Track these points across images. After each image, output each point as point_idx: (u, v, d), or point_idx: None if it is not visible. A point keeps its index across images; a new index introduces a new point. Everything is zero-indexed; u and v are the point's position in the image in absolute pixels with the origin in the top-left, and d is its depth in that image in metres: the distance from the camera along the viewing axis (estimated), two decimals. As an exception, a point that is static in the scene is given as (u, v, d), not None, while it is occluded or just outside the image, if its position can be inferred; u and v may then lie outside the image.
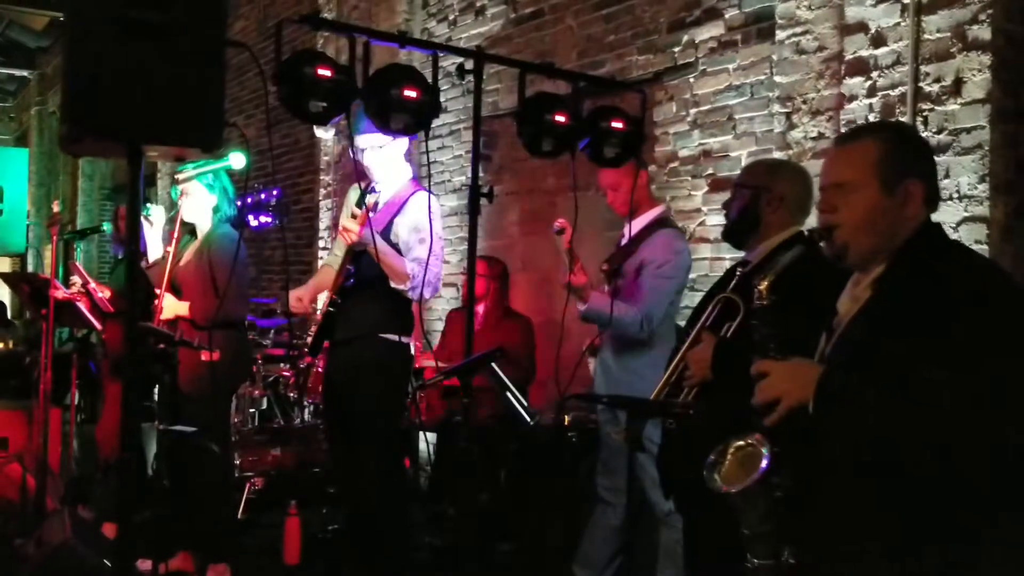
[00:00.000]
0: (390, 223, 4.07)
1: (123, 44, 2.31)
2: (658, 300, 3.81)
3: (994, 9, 3.52)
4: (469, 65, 3.28)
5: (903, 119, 3.70)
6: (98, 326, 5.26)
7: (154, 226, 4.79)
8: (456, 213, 6.80)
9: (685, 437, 2.83)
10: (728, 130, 4.82)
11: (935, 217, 2.10)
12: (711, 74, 4.92)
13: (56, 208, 5.85)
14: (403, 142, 4.14)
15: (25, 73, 16.97)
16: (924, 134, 3.64)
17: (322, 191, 8.56)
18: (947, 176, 3.59)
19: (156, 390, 4.23)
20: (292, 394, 6.45)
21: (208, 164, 4.36)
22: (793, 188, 2.97)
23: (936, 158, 3.48)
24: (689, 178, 5.03)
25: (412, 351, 4.27)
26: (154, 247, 4.78)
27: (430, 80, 3.13)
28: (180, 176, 4.50)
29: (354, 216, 3.94)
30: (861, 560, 1.90)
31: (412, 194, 4.12)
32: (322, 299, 4.38)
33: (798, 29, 4.24)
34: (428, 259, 3.78)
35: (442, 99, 3.25)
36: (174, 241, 4.50)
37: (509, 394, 3.52)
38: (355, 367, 4.08)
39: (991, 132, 3.53)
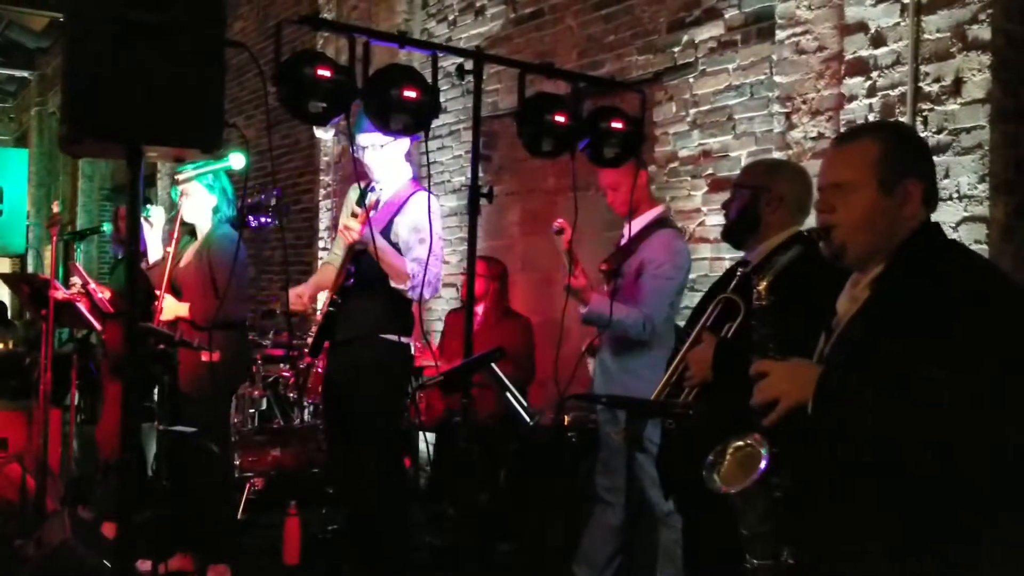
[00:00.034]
0: (390, 222, 4.08)
1: (123, 45, 2.31)
2: (659, 301, 3.82)
3: (994, 9, 3.52)
4: (469, 65, 3.28)
5: (903, 119, 3.70)
6: (98, 327, 5.26)
7: (154, 227, 4.80)
8: (456, 213, 6.80)
9: (684, 437, 2.83)
10: (728, 130, 4.82)
11: (935, 217, 2.10)
12: (711, 74, 4.92)
13: (56, 209, 5.86)
14: (404, 142, 4.14)
15: (25, 74, 16.98)
16: (924, 134, 3.64)
17: (322, 191, 8.56)
18: (947, 176, 3.59)
19: (156, 390, 4.22)
20: (292, 394, 6.45)
21: (208, 165, 4.36)
22: (793, 188, 2.96)
23: (936, 158, 3.48)
24: (689, 178, 5.03)
25: (412, 351, 4.28)
26: (154, 248, 4.78)
27: (430, 80, 3.13)
28: (180, 177, 4.50)
29: (354, 215, 3.94)
30: (861, 560, 1.90)
31: (412, 194, 4.12)
32: (322, 299, 4.38)
33: (798, 29, 4.24)
34: (428, 259, 3.78)
35: (442, 99, 3.25)
36: (174, 242, 4.50)
37: (509, 394, 3.51)
38: (355, 367, 4.08)
39: (991, 132, 3.53)
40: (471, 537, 4.29)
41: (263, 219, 4.16)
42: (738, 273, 2.91)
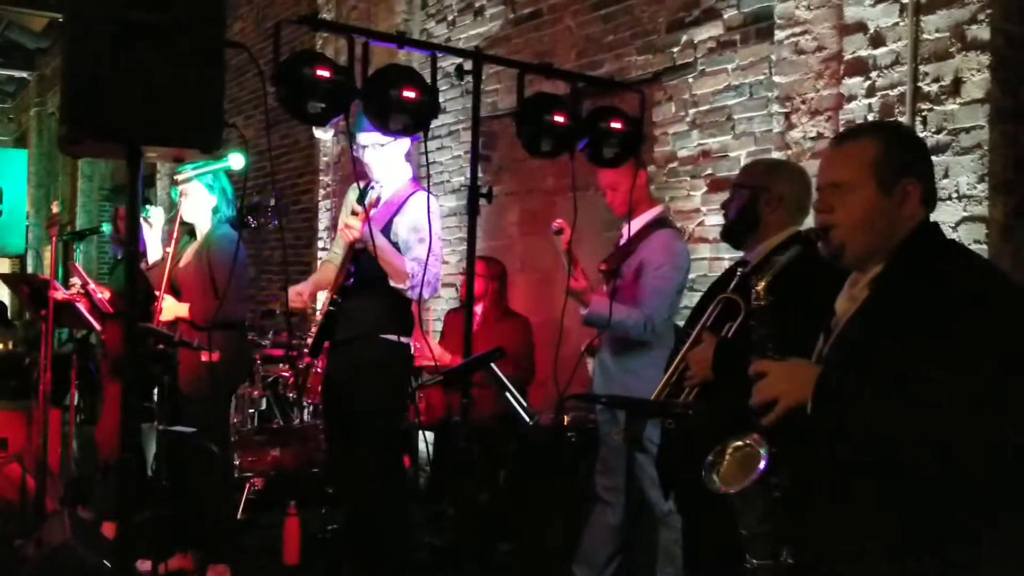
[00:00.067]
0: (390, 222, 4.08)
1: (122, 45, 2.31)
2: (660, 302, 3.82)
3: (993, 9, 3.52)
4: (468, 66, 3.28)
5: (902, 119, 3.70)
6: (97, 327, 5.26)
7: (153, 227, 4.80)
8: (455, 214, 6.80)
9: (684, 437, 2.83)
10: (727, 130, 4.82)
11: (935, 217, 2.10)
12: (710, 74, 4.92)
13: (55, 209, 5.85)
14: (404, 142, 4.14)
15: (24, 74, 16.98)
16: (923, 134, 3.64)
17: (321, 192, 8.56)
18: (946, 176, 3.59)
19: (156, 390, 4.23)
20: (291, 394, 6.45)
21: (207, 165, 4.36)
22: (792, 188, 2.97)
23: (935, 158, 3.49)
24: (688, 178, 5.03)
25: (412, 351, 4.28)
26: (153, 248, 4.78)
27: (429, 81, 3.13)
28: (179, 177, 4.50)
29: (355, 213, 3.94)
30: (860, 560, 1.90)
31: (412, 194, 4.12)
32: (322, 298, 4.38)
33: (797, 29, 4.24)
34: (427, 259, 3.78)
35: (441, 100, 3.25)
36: (173, 242, 4.51)
37: (508, 394, 3.52)
38: (355, 367, 4.09)
39: (990, 132, 3.53)
40: (471, 537, 4.29)
41: (263, 219, 4.16)
42: (738, 273, 2.91)
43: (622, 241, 4.05)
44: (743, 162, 4.57)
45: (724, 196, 3.16)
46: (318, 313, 4.34)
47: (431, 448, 5.70)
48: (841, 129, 3.86)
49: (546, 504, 4.92)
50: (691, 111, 5.02)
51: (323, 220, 8.51)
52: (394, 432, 4.28)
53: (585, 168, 3.63)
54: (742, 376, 2.03)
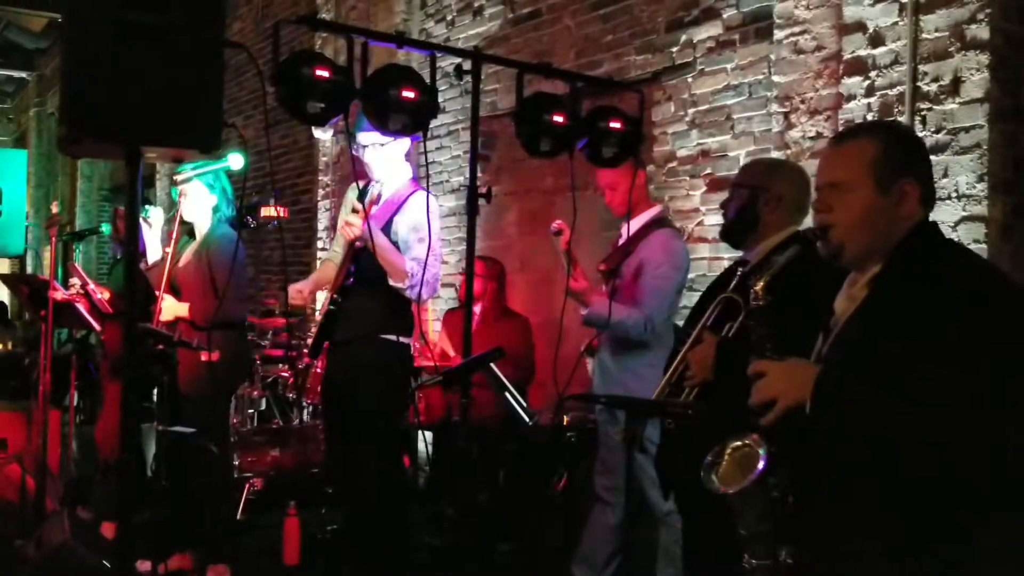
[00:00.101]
0: (390, 221, 4.08)
1: (121, 46, 2.32)
2: (660, 302, 3.82)
3: (992, 8, 3.52)
4: (467, 65, 3.28)
5: (901, 118, 3.70)
6: (97, 327, 5.26)
7: (153, 227, 4.80)
8: (454, 214, 6.80)
9: (683, 437, 2.83)
10: (726, 130, 4.82)
11: (934, 216, 2.10)
12: (709, 74, 4.92)
13: (55, 209, 5.86)
14: (404, 141, 4.14)
15: (23, 74, 16.99)
16: (922, 133, 3.64)
17: (320, 192, 8.56)
18: (945, 175, 3.59)
19: (155, 391, 4.23)
20: (291, 395, 6.45)
21: (206, 165, 4.36)
22: (791, 188, 2.97)
23: (934, 157, 3.51)
24: (687, 178, 5.03)
25: (412, 351, 4.28)
26: (153, 249, 4.78)
27: (428, 80, 3.13)
28: (178, 177, 4.50)
29: (355, 211, 3.94)
30: (860, 560, 1.90)
31: (412, 193, 4.12)
32: (321, 298, 4.38)
33: (796, 29, 4.24)
34: (427, 258, 3.78)
35: (440, 99, 3.25)
36: (172, 242, 4.51)
37: (508, 394, 3.52)
38: (355, 367, 4.09)
39: (989, 131, 3.53)
40: (470, 537, 4.29)
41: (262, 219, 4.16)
42: (738, 272, 2.91)
43: (621, 241, 4.05)
44: (742, 162, 4.57)
45: (723, 196, 3.16)
46: (318, 313, 4.34)
47: (430, 448, 5.70)
48: (840, 129, 3.86)
49: (545, 504, 4.92)
50: (690, 111, 5.02)
51: (322, 220, 8.51)
52: (394, 432, 4.28)
53: (584, 168, 3.63)
54: (743, 376, 2.03)
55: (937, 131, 3.65)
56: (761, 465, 1.93)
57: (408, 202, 4.09)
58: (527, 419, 3.61)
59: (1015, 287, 1.96)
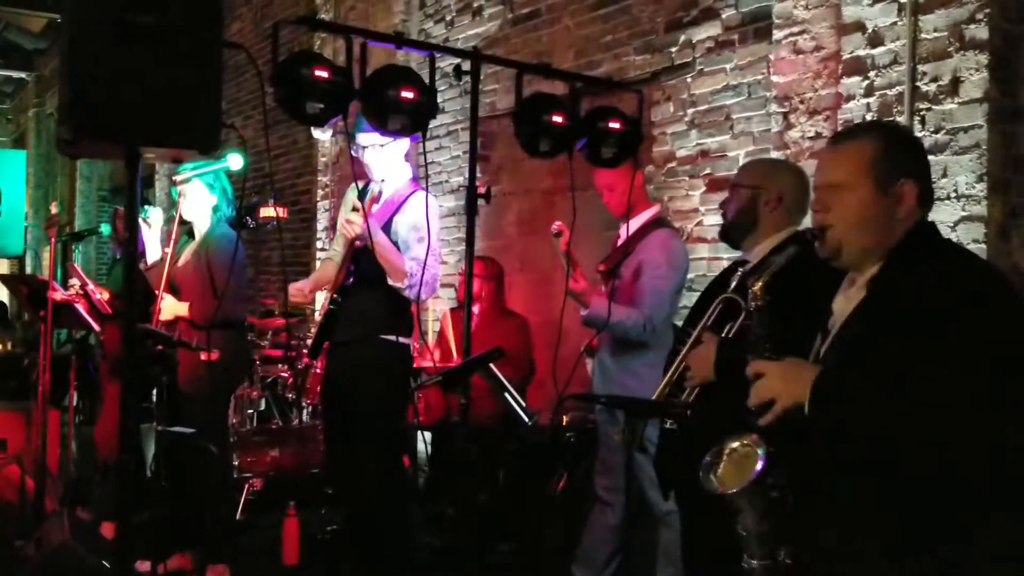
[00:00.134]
0: (390, 220, 4.08)
1: (120, 46, 2.32)
2: (660, 302, 3.82)
3: (991, 8, 3.52)
4: (466, 66, 3.28)
5: (900, 118, 3.71)
6: (96, 328, 5.26)
7: (152, 228, 4.80)
8: (454, 214, 6.80)
9: (682, 437, 2.83)
10: (725, 130, 4.82)
11: (933, 216, 2.10)
12: (708, 74, 4.92)
13: (54, 210, 5.86)
14: (404, 142, 4.14)
15: (23, 75, 16.98)
16: (921, 133, 3.64)
17: (320, 192, 8.56)
18: (944, 175, 3.60)
19: (155, 391, 4.22)
20: (290, 395, 6.45)
21: (206, 165, 4.37)
22: (791, 188, 2.97)
23: (933, 157, 3.51)
24: (687, 178, 5.03)
25: (412, 351, 4.27)
26: (152, 249, 4.78)
27: (427, 81, 3.13)
28: (178, 177, 4.51)
29: (355, 210, 3.94)
30: (860, 560, 1.90)
31: (412, 193, 4.12)
32: (321, 298, 4.38)
33: (795, 29, 4.25)
34: (426, 258, 3.78)
35: (439, 100, 3.25)
36: (172, 242, 4.51)
37: (507, 394, 3.52)
38: (355, 367, 4.08)
39: (988, 131, 3.53)
40: (470, 537, 4.29)
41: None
42: (739, 272, 2.91)
43: (620, 241, 4.05)
44: (741, 162, 4.57)
45: (723, 196, 3.16)
46: (317, 314, 4.34)
47: (429, 448, 5.69)
48: (839, 129, 3.86)
49: (545, 504, 4.92)
50: (689, 111, 5.03)
51: (321, 220, 8.51)
52: (394, 432, 4.28)
53: (583, 168, 3.63)
54: (743, 376, 2.03)
55: (936, 131, 3.65)
56: (760, 465, 1.93)
57: (408, 202, 4.09)
58: (526, 419, 3.61)
59: (1013, 287, 1.96)
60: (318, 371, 5.68)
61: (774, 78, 4.39)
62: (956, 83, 3.61)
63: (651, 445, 3.40)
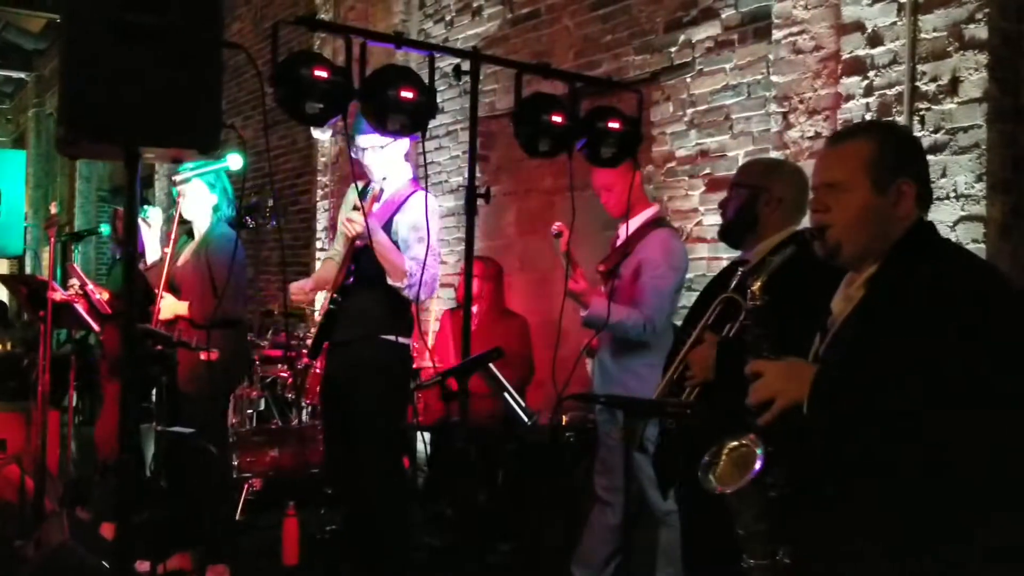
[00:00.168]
0: (390, 220, 4.08)
1: (120, 46, 2.31)
2: (659, 302, 3.82)
3: (990, 8, 3.52)
4: (466, 66, 3.27)
5: (900, 118, 3.71)
6: (96, 328, 5.25)
7: (152, 228, 4.80)
8: (453, 214, 6.80)
9: (682, 437, 2.83)
10: (725, 130, 4.82)
11: (933, 216, 2.11)
12: (708, 74, 4.92)
13: (54, 210, 5.85)
14: (404, 142, 4.14)
15: (22, 75, 16.98)
16: (921, 133, 3.64)
17: (319, 192, 8.56)
18: (944, 175, 3.60)
19: (154, 391, 4.22)
20: (290, 395, 6.45)
21: (205, 165, 4.37)
22: (791, 188, 2.97)
23: (933, 157, 3.51)
24: (686, 178, 5.03)
25: (411, 351, 4.27)
26: (152, 249, 4.78)
27: (427, 81, 3.13)
28: (177, 178, 4.51)
29: (356, 209, 3.94)
30: (859, 560, 1.90)
31: (412, 193, 4.12)
32: (320, 300, 4.37)
33: (794, 29, 4.25)
34: (425, 258, 3.78)
35: (439, 100, 3.24)
36: (171, 242, 4.51)
37: (506, 394, 3.52)
38: (355, 367, 4.08)
39: (988, 131, 3.53)
40: (470, 537, 4.29)
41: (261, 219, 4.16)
42: (739, 272, 2.91)
43: (619, 242, 4.05)
44: (741, 162, 4.57)
45: (722, 196, 3.16)
46: (316, 314, 4.34)
47: (428, 448, 5.69)
48: (839, 128, 3.86)
49: (545, 504, 4.92)
50: (689, 111, 5.03)
51: (321, 220, 8.51)
52: (394, 432, 4.28)
53: (583, 168, 3.63)
54: (743, 376, 2.03)
55: (936, 131, 3.65)
56: (758, 465, 1.93)
57: (409, 201, 4.09)
58: (526, 419, 3.61)
59: (1012, 286, 1.96)
60: (318, 371, 5.68)
61: (773, 78, 4.39)
62: (955, 83, 3.61)
63: (652, 445, 3.40)
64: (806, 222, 2.79)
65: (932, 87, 3.67)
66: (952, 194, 3.59)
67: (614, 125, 3.45)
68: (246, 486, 5.70)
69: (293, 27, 3.83)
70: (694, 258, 4.61)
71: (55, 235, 5.41)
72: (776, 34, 4.35)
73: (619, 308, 3.74)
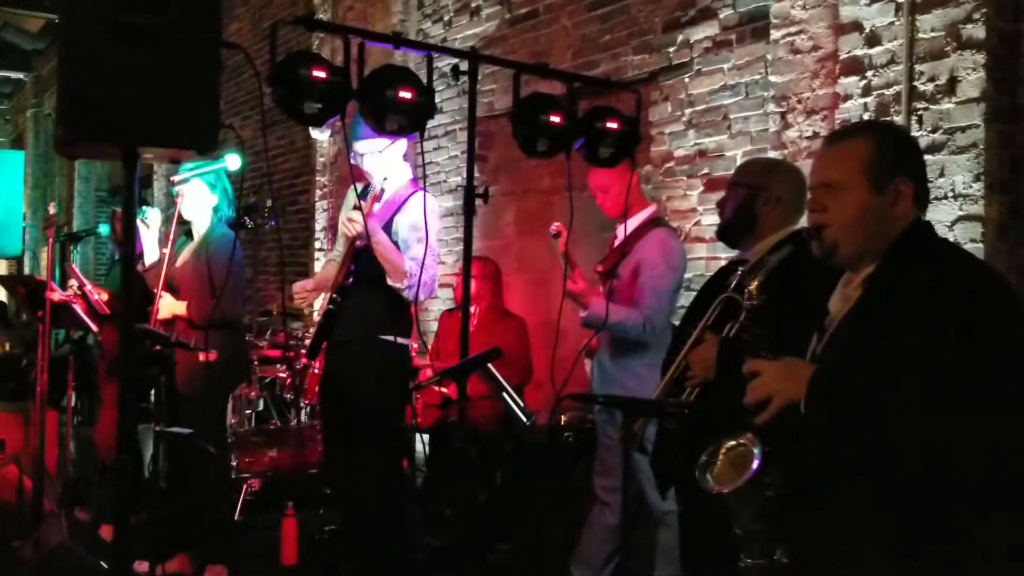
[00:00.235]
0: (391, 220, 4.08)
1: (118, 46, 2.31)
2: (658, 302, 3.82)
3: (988, 8, 3.53)
4: (464, 66, 3.28)
5: (898, 118, 3.71)
6: (94, 328, 5.25)
7: (151, 228, 4.80)
8: (452, 214, 6.80)
9: (681, 437, 2.83)
10: (723, 130, 4.83)
11: (930, 216, 2.11)
12: (706, 74, 4.93)
13: (52, 210, 5.85)
14: (402, 144, 4.14)
15: (21, 75, 16.98)
16: (918, 133, 3.65)
17: (318, 192, 8.55)
18: (942, 175, 3.60)
19: (153, 391, 4.22)
20: (288, 395, 6.45)
21: (204, 166, 4.37)
22: (789, 188, 2.97)
23: (931, 157, 3.51)
24: (685, 178, 5.04)
25: (411, 352, 4.27)
26: (150, 250, 4.78)
27: (425, 81, 3.13)
28: (176, 178, 4.51)
29: (357, 208, 3.94)
30: (859, 560, 1.90)
31: (412, 193, 4.12)
32: (319, 301, 4.37)
33: (792, 28, 4.25)
34: (424, 258, 3.78)
35: (437, 100, 3.25)
36: (170, 242, 4.51)
37: (505, 395, 3.52)
38: (354, 368, 4.08)
39: (986, 131, 3.53)
40: (469, 537, 4.29)
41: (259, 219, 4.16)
42: (738, 272, 2.91)
43: (617, 242, 4.05)
44: (739, 162, 4.57)
45: (720, 195, 3.16)
46: (316, 314, 4.34)
47: (427, 449, 5.70)
48: (837, 128, 3.87)
49: (544, 504, 4.92)
50: (687, 111, 5.03)
51: (320, 221, 8.51)
52: (393, 433, 4.28)
53: (581, 168, 3.63)
54: (743, 376, 2.03)
55: (933, 131, 3.65)
56: (756, 464, 1.94)
57: (409, 202, 4.09)
58: (525, 419, 3.61)
59: (1009, 286, 1.96)
60: (316, 371, 5.68)
61: (772, 78, 4.40)
62: (953, 83, 3.61)
63: (650, 445, 3.40)
64: (804, 222, 2.79)
65: (930, 87, 3.68)
66: (950, 194, 3.59)
67: (612, 125, 3.46)
68: (245, 486, 5.70)
69: (291, 27, 3.82)
70: (692, 258, 4.61)
71: (53, 235, 5.41)
72: (774, 34, 4.36)
73: (618, 308, 3.74)
